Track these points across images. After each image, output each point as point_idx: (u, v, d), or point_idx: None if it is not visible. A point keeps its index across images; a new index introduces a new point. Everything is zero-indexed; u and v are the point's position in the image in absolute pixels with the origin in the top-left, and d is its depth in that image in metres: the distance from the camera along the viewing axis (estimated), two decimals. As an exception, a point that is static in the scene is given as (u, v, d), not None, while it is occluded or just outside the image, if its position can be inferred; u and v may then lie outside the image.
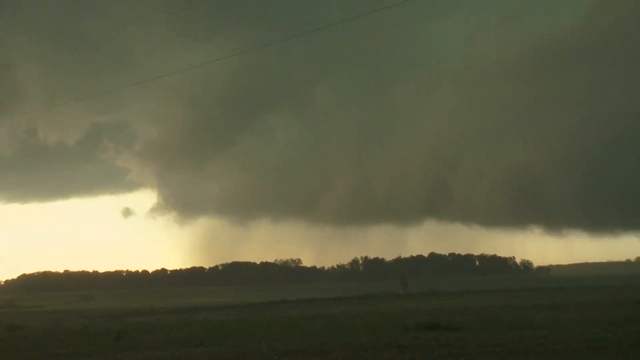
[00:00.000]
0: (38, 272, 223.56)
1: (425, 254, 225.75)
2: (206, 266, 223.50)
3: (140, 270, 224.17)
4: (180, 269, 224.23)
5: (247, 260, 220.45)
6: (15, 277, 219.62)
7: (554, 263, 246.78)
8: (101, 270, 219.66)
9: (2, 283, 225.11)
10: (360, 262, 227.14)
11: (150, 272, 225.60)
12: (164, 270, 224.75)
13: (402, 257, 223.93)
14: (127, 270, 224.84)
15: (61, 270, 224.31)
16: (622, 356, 19.43)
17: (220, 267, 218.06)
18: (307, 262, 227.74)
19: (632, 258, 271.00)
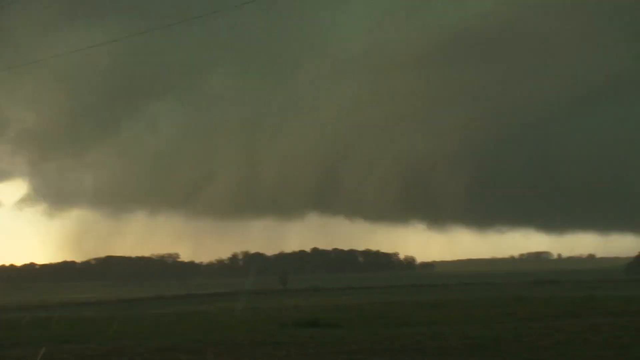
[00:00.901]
0: None
1: (308, 249, 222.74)
2: (78, 260, 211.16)
3: (7, 264, 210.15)
4: (50, 263, 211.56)
5: (122, 255, 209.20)
6: None
7: (437, 259, 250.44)
8: None
9: None
10: (240, 257, 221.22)
11: (18, 266, 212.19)
12: (32, 265, 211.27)
13: (284, 252, 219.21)
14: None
15: None
16: (498, 353, 19.81)
17: (93, 262, 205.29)
18: (185, 257, 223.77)
19: (516, 255, 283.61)
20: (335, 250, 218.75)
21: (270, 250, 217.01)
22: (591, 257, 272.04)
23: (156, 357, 20.78)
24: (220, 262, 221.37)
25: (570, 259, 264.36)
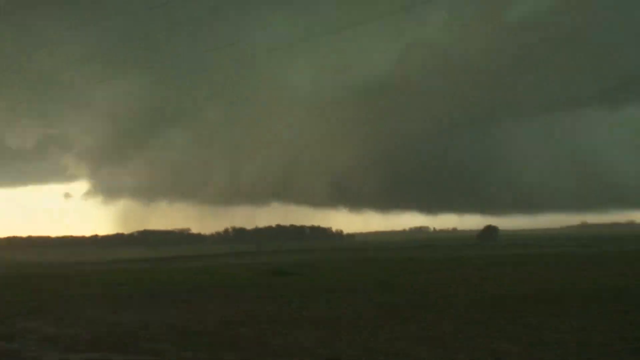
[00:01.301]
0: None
1: (274, 225, 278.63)
2: (125, 232, 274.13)
3: (79, 235, 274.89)
4: (107, 234, 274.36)
5: (154, 229, 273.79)
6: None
7: (357, 231, 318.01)
8: (53, 235, 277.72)
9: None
10: (230, 230, 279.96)
11: (87, 236, 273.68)
12: (96, 236, 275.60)
13: (258, 227, 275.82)
14: (72, 235, 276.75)
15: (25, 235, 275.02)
16: (400, 292, 29.70)
17: (135, 234, 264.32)
18: (194, 230, 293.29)
19: (407, 228, 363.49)
20: (292, 225, 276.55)
21: (249, 226, 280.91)
22: (454, 230, 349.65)
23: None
24: (217, 234, 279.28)
25: (441, 231, 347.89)
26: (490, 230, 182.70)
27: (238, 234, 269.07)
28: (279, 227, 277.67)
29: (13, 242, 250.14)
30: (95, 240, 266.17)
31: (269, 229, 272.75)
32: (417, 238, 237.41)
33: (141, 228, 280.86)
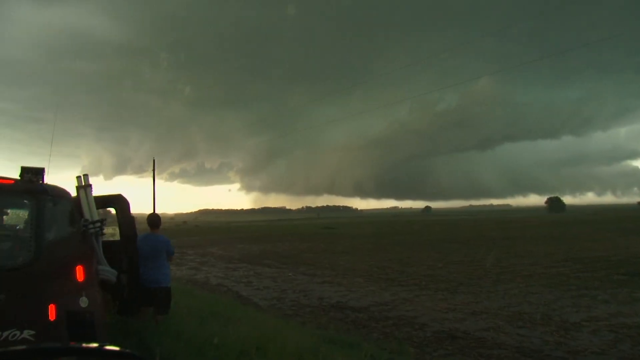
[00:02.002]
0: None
1: (325, 205, 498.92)
2: (255, 207, 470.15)
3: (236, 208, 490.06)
4: (247, 209, 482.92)
5: (269, 206, 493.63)
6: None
7: (365, 208, 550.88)
8: (224, 208, 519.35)
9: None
10: (304, 207, 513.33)
11: (238, 209, 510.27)
12: (242, 209, 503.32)
13: (317, 205, 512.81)
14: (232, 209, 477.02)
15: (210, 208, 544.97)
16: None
17: (259, 208, 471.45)
18: (288, 207, 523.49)
19: (388, 207, 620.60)
20: (333, 205, 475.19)
21: (313, 205, 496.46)
22: (410, 208, 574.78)
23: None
24: (298, 209, 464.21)
25: (404, 209, 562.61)
26: (427, 208, 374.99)
27: (308, 209, 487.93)
28: (327, 206, 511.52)
29: (204, 212, 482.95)
30: (242, 211, 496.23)
31: (323, 207, 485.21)
32: (391, 212, 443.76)
33: (262, 206, 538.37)
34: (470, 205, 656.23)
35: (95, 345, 2.09)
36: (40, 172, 6.71)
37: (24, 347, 1.73)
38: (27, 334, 5.44)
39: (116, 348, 1.90)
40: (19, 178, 6.57)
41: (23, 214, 7.06)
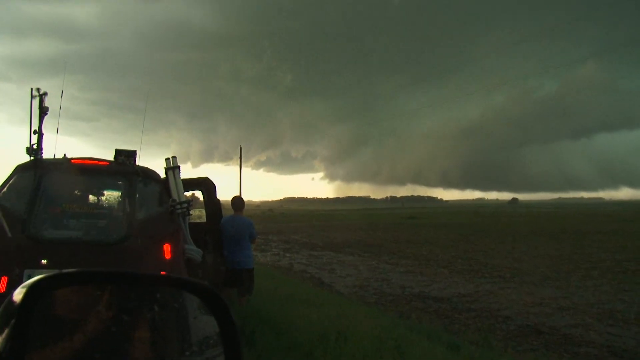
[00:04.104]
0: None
1: (409, 195, 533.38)
2: (339, 196, 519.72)
3: (318, 197, 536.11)
4: (331, 197, 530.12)
5: (353, 195, 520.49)
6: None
7: (449, 199, 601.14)
8: (309, 196, 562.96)
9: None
10: (389, 197, 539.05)
11: (322, 197, 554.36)
12: (327, 198, 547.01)
13: (402, 195, 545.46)
14: (315, 197, 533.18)
15: (295, 196, 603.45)
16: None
17: (343, 197, 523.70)
18: (373, 196, 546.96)
19: (472, 198, 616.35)
20: (418, 195, 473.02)
21: (397, 195, 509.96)
22: (498, 200, 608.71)
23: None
24: (382, 199, 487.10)
25: (489, 200, 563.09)
26: (514, 200, 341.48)
27: (392, 199, 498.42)
28: (412, 195, 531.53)
29: (289, 200, 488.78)
30: (327, 200, 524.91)
31: (407, 196, 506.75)
32: (477, 203, 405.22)
33: (346, 195, 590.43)
34: (560, 198, 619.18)
35: (164, 273, 2.12)
36: (132, 154, 6.99)
37: (99, 269, 1.84)
38: (118, 306, 5.65)
39: (186, 278, 1.94)
40: (113, 160, 6.89)
41: (116, 193, 7.39)
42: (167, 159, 7.41)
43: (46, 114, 7.45)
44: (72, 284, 1.67)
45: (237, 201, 9.63)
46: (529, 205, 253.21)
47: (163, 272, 4.57)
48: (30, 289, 1.49)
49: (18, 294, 1.49)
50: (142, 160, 7.20)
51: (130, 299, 1.76)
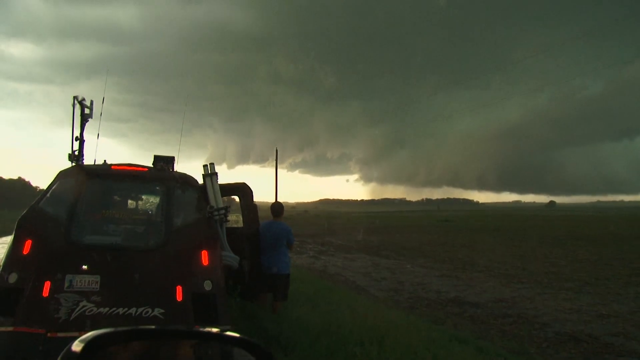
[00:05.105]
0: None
1: (445, 197, 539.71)
2: (374, 198, 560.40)
3: (354, 199, 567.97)
4: (366, 199, 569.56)
5: (388, 197, 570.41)
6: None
7: (485, 201, 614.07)
8: (343, 198, 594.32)
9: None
10: (424, 199, 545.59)
11: (357, 199, 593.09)
12: (362, 200, 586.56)
13: (438, 197, 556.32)
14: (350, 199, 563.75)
15: (330, 198, 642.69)
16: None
17: (377, 199, 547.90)
18: (408, 198, 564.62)
19: (509, 201, 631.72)
20: (453, 197, 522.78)
21: (433, 197, 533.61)
22: (534, 203, 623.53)
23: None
24: (417, 201, 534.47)
25: (526, 203, 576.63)
26: (551, 203, 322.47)
27: (428, 201, 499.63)
28: (447, 198, 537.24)
29: (324, 202, 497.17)
30: (362, 202, 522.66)
31: (443, 199, 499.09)
32: (514, 206, 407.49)
33: (381, 197, 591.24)
34: (598, 201, 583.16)
35: (216, 330, 2.18)
36: (171, 160, 7.10)
37: (152, 327, 1.92)
38: (157, 312, 5.77)
39: (237, 335, 1.93)
40: (151, 166, 7.00)
41: (155, 199, 7.51)
42: (204, 166, 7.51)
43: (87, 121, 7.62)
44: (129, 340, 1.74)
45: (277, 207, 9.67)
46: (567, 208, 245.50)
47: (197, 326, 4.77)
48: (88, 344, 1.56)
49: (77, 346, 1.56)
50: (179, 161, 7.32)
51: (184, 356, 1.82)
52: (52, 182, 6.57)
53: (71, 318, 5.56)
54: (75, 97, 7.52)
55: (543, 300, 15.13)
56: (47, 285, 5.64)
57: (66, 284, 5.67)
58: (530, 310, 13.81)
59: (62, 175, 6.69)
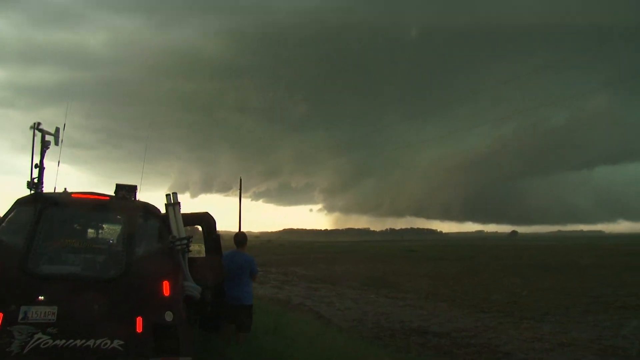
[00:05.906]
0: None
1: (408, 227, 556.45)
2: (338, 228, 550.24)
3: (317, 228, 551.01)
4: (329, 229, 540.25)
5: (351, 227, 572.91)
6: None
7: (448, 231, 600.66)
8: (307, 227, 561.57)
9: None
10: (388, 229, 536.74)
11: (321, 229, 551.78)
12: (326, 229, 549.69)
13: (400, 227, 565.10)
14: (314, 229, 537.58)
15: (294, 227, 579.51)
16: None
17: (342, 229, 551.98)
18: (370, 227, 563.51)
19: (471, 230, 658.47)
20: (416, 227, 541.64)
21: (396, 227, 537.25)
22: (495, 232, 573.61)
23: None
24: (381, 231, 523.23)
25: (488, 233, 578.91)
26: (513, 233, 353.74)
27: (392, 231, 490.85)
28: (411, 228, 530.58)
29: (288, 231, 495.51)
30: (326, 231, 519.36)
31: (406, 229, 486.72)
32: (477, 236, 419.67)
33: (345, 227, 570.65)
34: (559, 231, 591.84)
35: None
36: (133, 189, 7.01)
37: None
38: (116, 343, 5.62)
39: None
40: (113, 195, 6.90)
41: (116, 228, 7.38)
42: (167, 195, 7.41)
43: (48, 147, 7.50)
44: None
45: (240, 237, 9.63)
46: (529, 237, 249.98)
47: None
48: None
49: None
50: (142, 190, 7.23)
51: None
52: (8, 211, 6.42)
53: (24, 352, 5.37)
54: (35, 124, 7.42)
55: (506, 330, 15.27)
56: (0, 316, 5.46)
57: (20, 316, 5.49)
58: (493, 339, 13.91)
59: (20, 203, 6.56)
